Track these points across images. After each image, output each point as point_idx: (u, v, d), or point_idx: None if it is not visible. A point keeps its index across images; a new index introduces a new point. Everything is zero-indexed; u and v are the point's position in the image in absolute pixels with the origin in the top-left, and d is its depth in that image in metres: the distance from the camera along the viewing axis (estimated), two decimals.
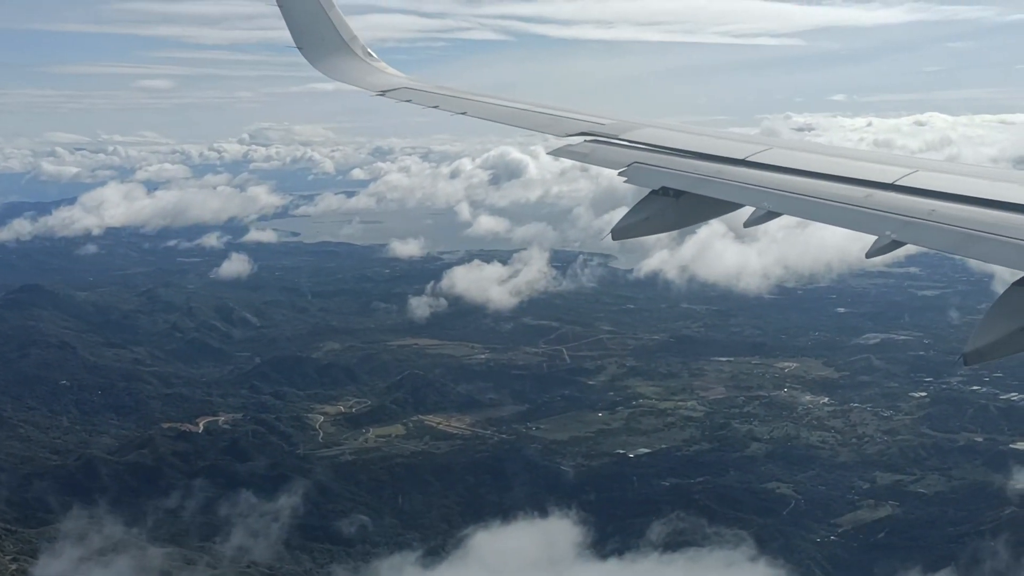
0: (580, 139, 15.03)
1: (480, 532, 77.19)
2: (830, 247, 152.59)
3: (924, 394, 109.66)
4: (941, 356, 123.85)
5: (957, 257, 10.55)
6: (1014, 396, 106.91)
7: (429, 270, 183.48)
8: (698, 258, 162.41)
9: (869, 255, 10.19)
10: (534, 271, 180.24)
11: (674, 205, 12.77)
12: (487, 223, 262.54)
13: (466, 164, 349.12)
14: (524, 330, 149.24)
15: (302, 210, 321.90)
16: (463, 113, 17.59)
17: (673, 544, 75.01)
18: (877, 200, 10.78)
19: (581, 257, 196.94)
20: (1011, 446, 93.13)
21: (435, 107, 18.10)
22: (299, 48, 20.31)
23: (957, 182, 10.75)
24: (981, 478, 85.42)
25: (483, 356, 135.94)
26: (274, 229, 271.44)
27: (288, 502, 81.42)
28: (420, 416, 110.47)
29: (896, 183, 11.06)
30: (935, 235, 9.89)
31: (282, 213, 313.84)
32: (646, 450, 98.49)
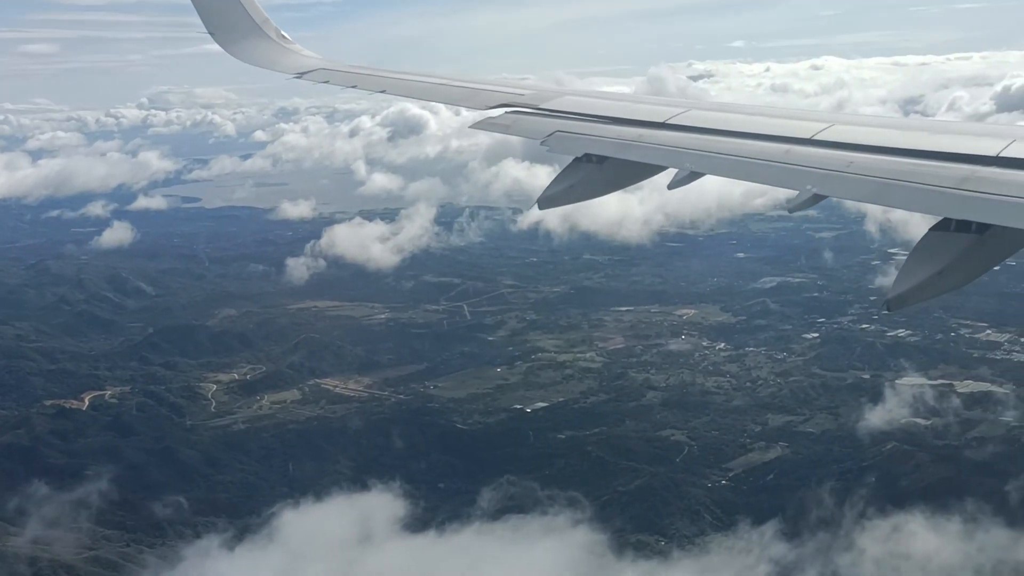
0: (501, 111, 15.07)
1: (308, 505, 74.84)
2: (710, 194, 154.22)
3: (816, 335, 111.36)
4: (834, 296, 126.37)
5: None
6: (901, 332, 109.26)
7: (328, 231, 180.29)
8: (584, 208, 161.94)
9: (792, 210, 10.45)
10: (418, 227, 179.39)
11: (598, 171, 12.86)
12: (381, 181, 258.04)
13: (365, 122, 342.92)
14: (425, 288, 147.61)
15: (195, 174, 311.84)
16: (382, 91, 17.66)
17: (509, 509, 74.04)
18: (796, 155, 11.07)
19: (468, 211, 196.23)
20: (896, 382, 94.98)
21: (353, 87, 18.24)
22: (211, 34, 20.18)
23: (872, 134, 11.10)
24: (867, 415, 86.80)
25: (383, 316, 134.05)
26: (165, 196, 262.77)
27: (159, 476, 78.95)
28: (317, 380, 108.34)
29: (814, 138, 11.32)
30: (853, 186, 10.28)
31: (174, 178, 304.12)
32: (543, 404, 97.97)
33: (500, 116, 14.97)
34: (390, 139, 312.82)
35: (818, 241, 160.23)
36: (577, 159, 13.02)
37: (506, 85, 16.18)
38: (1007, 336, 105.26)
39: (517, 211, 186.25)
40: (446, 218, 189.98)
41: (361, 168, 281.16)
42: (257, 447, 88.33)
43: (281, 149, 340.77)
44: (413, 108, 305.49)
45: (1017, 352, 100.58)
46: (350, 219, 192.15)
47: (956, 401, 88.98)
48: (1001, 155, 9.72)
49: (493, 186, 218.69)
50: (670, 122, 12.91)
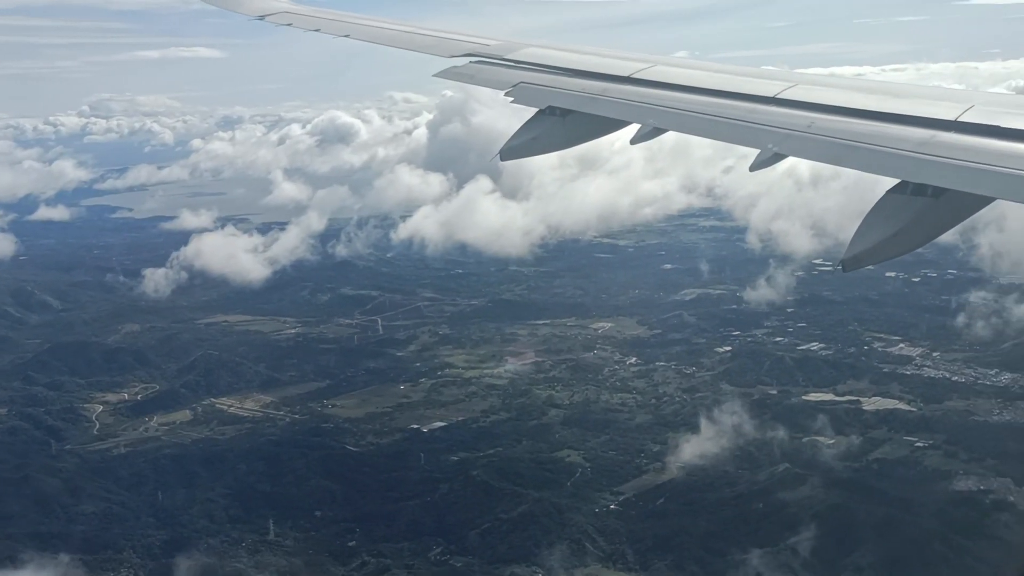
0: (466, 60, 14.90)
1: None
2: (594, 203, 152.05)
3: (728, 348, 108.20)
4: (752, 308, 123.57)
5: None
6: (813, 346, 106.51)
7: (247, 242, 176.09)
8: (462, 217, 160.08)
9: (753, 168, 10.43)
10: (294, 238, 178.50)
11: (561, 124, 12.73)
12: (289, 190, 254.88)
13: (295, 130, 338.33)
14: (341, 301, 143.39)
15: (109, 183, 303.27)
16: (346, 36, 17.10)
17: None
18: (759, 114, 11.11)
19: (355, 220, 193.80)
20: (802, 398, 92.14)
21: (316, 30, 17.55)
22: None
23: (835, 95, 11.10)
24: (767, 433, 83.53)
25: (293, 331, 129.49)
26: (78, 206, 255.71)
27: (16, 508, 73.79)
28: (212, 399, 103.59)
29: (777, 96, 11.34)
30: (814, 147, 10.25)
31: (87, 188, 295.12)
32: (441, 423, 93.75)
33: (464, 65, 14.79)
34: (318, 147, 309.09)
35: (746, 252, 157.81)
36: (541, 111, 12.83)
37: (473, 35, 15.99)
38: (919, 350, 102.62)
39: (405, 217, 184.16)
40: (337, 228, 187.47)
41: (280, 177, 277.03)
42: (129, 474, 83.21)
43: (203, 158, 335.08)
44: (342, 116, 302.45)
45: (928, 367, 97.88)
46: (264, 229, 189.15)
47: (861, 419, 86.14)
48: (959, 119, 9.75)
49: (387, 193, 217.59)
50: (635, 76, 12.83)
